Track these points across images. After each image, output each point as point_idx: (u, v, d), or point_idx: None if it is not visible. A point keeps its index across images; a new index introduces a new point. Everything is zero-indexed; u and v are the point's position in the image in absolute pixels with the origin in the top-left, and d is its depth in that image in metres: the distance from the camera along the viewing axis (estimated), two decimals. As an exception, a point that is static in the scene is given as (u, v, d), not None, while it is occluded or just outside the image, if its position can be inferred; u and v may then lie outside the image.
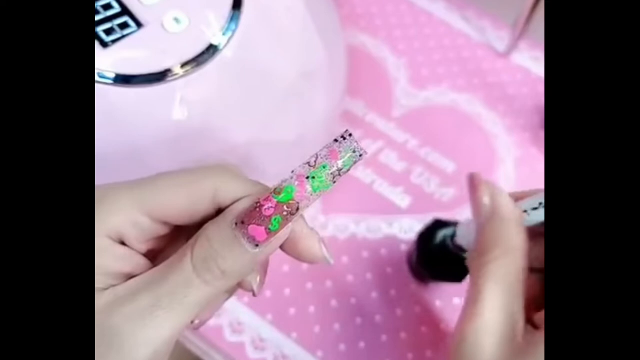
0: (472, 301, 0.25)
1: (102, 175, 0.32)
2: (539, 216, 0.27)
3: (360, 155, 0.20)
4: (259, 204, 0.20)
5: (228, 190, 0.21)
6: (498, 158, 0.53)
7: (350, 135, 0.20)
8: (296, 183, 0.20)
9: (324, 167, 0.20)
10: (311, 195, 0.20)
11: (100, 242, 0.20)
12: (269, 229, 0.20)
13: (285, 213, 0.20)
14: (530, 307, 0.26)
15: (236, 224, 0.20)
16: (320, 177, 0.20)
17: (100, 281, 0.20)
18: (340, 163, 0.20)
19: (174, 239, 0.24)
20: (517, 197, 0.29)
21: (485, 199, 0.27)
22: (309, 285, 0.46)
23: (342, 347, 0.44)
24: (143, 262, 0.22)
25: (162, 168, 0.32)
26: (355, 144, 0.20)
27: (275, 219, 0.20)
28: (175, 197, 0.21)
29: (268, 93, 0.34)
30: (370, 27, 0.60)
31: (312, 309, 0.45)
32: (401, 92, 0.56)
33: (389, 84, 0.57)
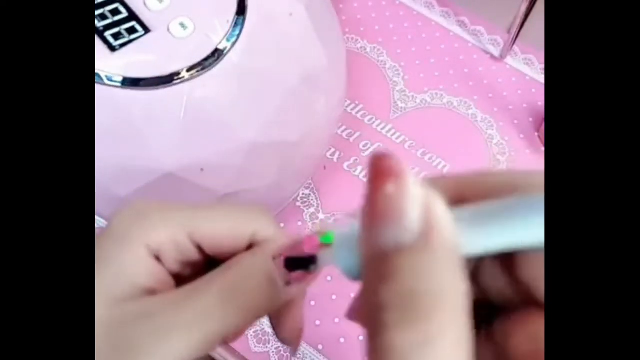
0: None
1: (108, 175, 0.34)
2: (492, 239, 0.15)
3: None
4: (301, 242, 0.20)
5: (265, 233, 0.22)
6: (493, 159, 0.55)
7: None
8: (337, 229, 0.20)
9: None
10: None
11: (138, 250, 0.20)
12: (309, 271, 0.20)
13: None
14: None
15: (274, 258, 0.20)
16: None
17: (121, 289, 0.20)
18: None
19: (199, 272, 0.23)
20: (452, 196, 0.17)
21: (413, 209, 0.15)
22: (310, 281, 0.47)
23: (342, 340, 0.45)
24: (169, 282, 0.22)
25: (167, 169, 0.33)
26: None
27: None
28: (219, 226, 0.22)
29: (271, 96, 0.35)
30: (369, 32, 0.61)
31: (312, 303, 0.47)
32: (399, 94, 0.58)
33: (387, 87, 0.58)
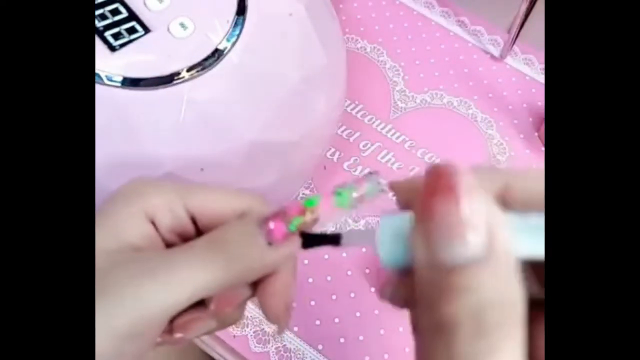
0: None
1: (108, 175, 0.34)
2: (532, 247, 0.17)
3: (382, 190, 0.22)
4: (285, 207, 0.22)
5: (259, 212, 0.23)
6: (493, 159, 0.55)
7: (377, 173, 0.23)
8: (323, 196, 0.22)
9: (350, 190, 0.22)
10: (333, 208, 0.22)
11: (134, 211, 0.22)
12: (289, 227, 0.21)
13: (307, 218, 0.21)
14: None
15: (259, 223, 0.21)
16: (345, 196, 0.22)
17: (110, 242, 0.21)
18: (364, 191, 0.22)
19: None
20: (502, 196, 0.18)
21: (479, 229, 0.15)
22: (310, 279, 0.47)
23: (342, 340, 0.45)
24: (160, 246, 0.23)
25: (167, 169, 0.33)
26: (380, 180, 0.22)
27: (296, 219, 0.21)
28: (214, 200, 0.23)
29: (271, 96, 0.35)
30: (369, 32, 0.61)
31: (312, 303, 0.47)
32: (399, 94, 0.58)
33: (387, 87, 0.58)
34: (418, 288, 0.17)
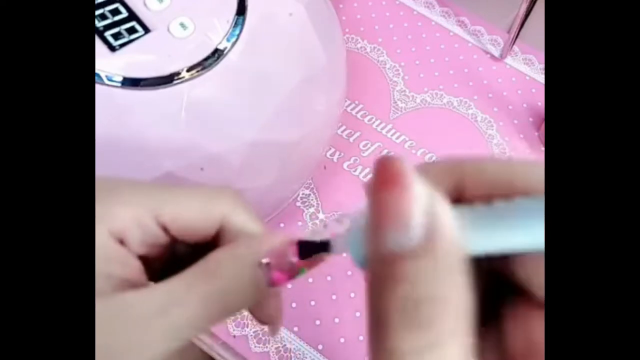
0: None
1: (108, 175, 0.34)
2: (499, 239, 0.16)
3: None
4: (286, 248, 0.20)
5: (237, 219, 0.21)
6: (493, 158, 0.55)
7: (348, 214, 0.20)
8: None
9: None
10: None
11: (103, 239, 0.20)
12: (294, 277, 0.20)
13: (312, 265, 0.20)
14: None
15: (259, 264, 0.20)
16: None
17: (103, 284, 0.19)
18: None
19: (168, 252, 0.23)
20: (453, 183, 0.17)
21: (418, 215, 0.14)
22: (310, 280, 0.47)
23: (342, 340, 0.45)
24: (135, 265, 0.21)
25: (167, 169, 0.33)
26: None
27: (302, 269, 0.20)
28: (188, 209, 0.21)
29: (271, 96, 0.35)
30: (369, 32, 0.61)
31: (312, 303, 0.47)
32: (399, 94, 0.58)
33: (387, 87, 0.58)
34: (367, 284, 0.16)
